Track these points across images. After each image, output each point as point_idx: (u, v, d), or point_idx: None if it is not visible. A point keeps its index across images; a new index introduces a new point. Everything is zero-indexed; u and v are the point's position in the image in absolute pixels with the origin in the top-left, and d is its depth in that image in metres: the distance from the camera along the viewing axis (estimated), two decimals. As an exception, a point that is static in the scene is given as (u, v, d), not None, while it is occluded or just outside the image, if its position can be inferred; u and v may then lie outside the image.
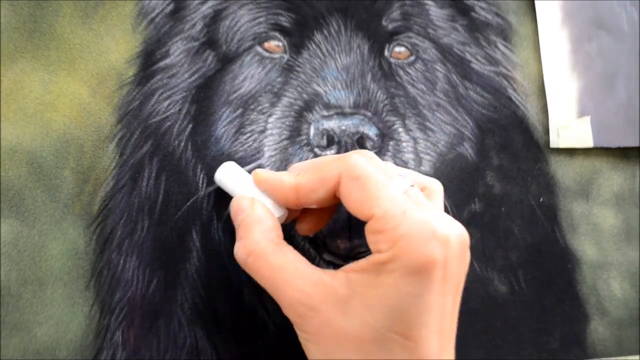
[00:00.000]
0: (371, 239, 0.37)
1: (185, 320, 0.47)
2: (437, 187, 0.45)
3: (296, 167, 0.44)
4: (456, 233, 0.38)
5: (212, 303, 0.48)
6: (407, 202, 0.37)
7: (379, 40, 0.54)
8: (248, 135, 0.51)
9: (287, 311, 0.39)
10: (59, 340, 0.45)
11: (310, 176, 0.41)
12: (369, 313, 0.35)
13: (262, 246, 0.39)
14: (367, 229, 0.37)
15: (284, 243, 0.41)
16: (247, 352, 0.48)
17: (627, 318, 0.57)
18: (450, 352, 0.38)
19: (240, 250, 0.40)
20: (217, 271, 0.48)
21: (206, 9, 0.52)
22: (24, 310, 0.45)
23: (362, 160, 0.39)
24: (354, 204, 0.38)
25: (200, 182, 0.49)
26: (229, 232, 0.49)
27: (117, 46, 0.50)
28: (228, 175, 0.46)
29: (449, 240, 0.36)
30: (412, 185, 0.41)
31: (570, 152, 0.59)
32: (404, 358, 0.35)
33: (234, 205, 0.43)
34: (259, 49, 0.53)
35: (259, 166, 0.50)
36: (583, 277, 0.57)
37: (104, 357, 0.46)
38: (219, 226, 0.49)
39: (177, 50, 0.51)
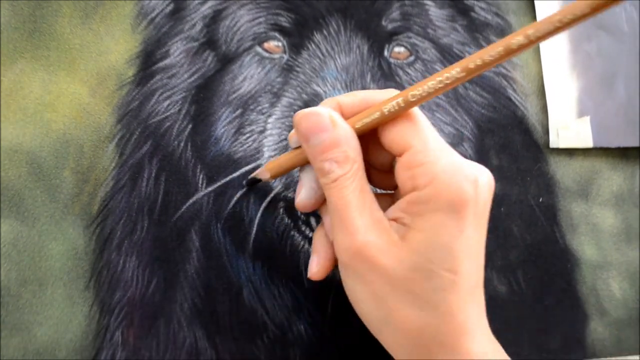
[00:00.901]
0: (406, 174, 0.37)
1: (184, 321, 0.47)
2: None
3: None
4: (484, 175, 0.39)
5: (211, 303, 0.48)
6: (443, 142, 0.38)
7: (378, 40, 0.54)
8: (248, 135, 0.51)
9: (341, 248, 0.38)
10: (58, 341, 0.45)
11: (352, 97, 0.41)
12: (418, 255, 0.36)
13: (357, 182, 0.38)
14: (402, 163, 0.38)
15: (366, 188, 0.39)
16: (247, 352, 0.48)
17: (626, 318, 0.57)
18: (481, 288, 0.39)
19: (333, 172, 0.38)
20: (216, 271, 0.48)
21: (206, 9, 0.52)
22: (24, 311, 0.45)
23: (403, 100, 0.38)
24: (393, 133, 0.38)
25: (200, 182, 0.49)
26: (229, 232, 0.49)
27: (116, 46, 0.50)
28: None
29: (477, 180, 0.37)
30: None
31: (570, 152, 0.59)
32: (450, 293, 0.36)
33: (308, 121, 0.39)
34: (258, 49, 0.53)
35: (259, 166, 0.50)
36: (582, 277, 0.57)
37: (103, 357, 0.46)
38: (219, 226, 0.49)
39: (176, 50, 0.51)
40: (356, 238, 0.37)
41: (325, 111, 0.39)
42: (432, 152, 0.37)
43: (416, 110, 0.39)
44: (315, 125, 0.38)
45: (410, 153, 0.37)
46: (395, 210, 0.38)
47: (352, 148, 0.38)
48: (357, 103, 0.40)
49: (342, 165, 0.38)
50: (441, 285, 0.36)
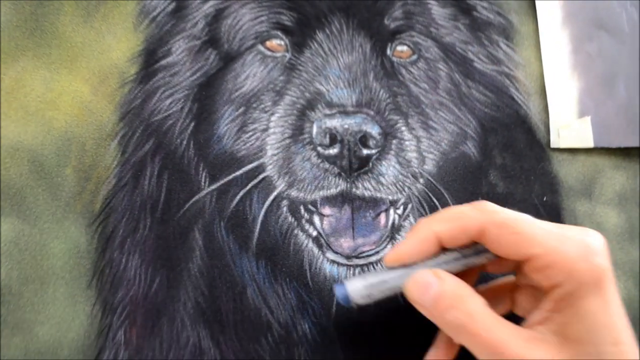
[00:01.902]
0: (540, 277, 0.38)
1: (188, 320, 0.47)
2: None
3: (425, 220, 0.43)
4: (601, 239, 0.40)
5: (215, 302, 0.47)
6: (556, 228, 0.39)
7: (381, 39, 0.54)
8: (250, 133, 0.50)
9: None
10: (60, 340, 0.45)
11: (449, 225, 0.41)
12: (584, 345, 0.37)
13: (478, 311, 0.39)
14: (531, 268, 0.38)
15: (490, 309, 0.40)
16: (251, 352, 0.47)
17: (630, 318, 0.57)
18: (635, 341, 0.40)
19: (456, 319, 0.39)
20: (220, 270, 0.48)
21: (208, 7, 0.52)
22: (26, 310, 0.44)
23: (498, 206, 0.40)
24: (507, 249, 0.39)
25: (203, 180, 0.49)
26: (232, 231, 0.49)
27: (118, 44, 0.50)
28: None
29: (603, 247, 0.39)
30: None
31: (573, 151, 0.59)
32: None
33: (415, 284, 0.40)
34: (261, 47, 0.52)
35: (261, 165, 0.50)
36: (587, 276, 0.57)
37: (106, 356, 0.45)
38: (222, 225, 0.49)
39: (178, 48, 0.51)
40: None
41: (426, 272, 0.40)
42: (555, 251, 0.37)
43: (514, 219, 0.39)
44: (423, 286, 0.40)
45: (535, 260, 0.38)
46: (541, 312, 0.39)
47: (466, 292, 0.39)
48: (456, 230, 0.40)
49: (461, 310, 0.38)
50: (607, 358, 0.36)
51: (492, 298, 0.44)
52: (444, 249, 0.41)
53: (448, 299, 0.39)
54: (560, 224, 0.40)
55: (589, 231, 0.40)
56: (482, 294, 0.43)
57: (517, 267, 0.42)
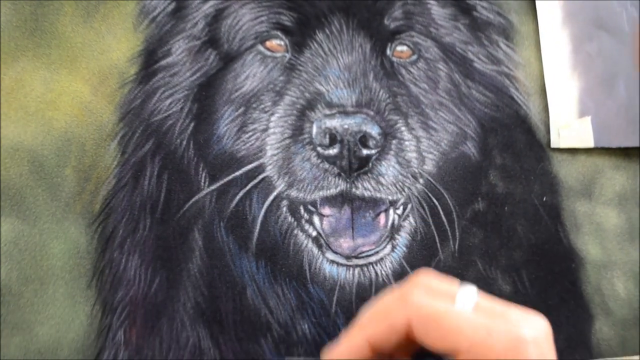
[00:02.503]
0: None
1: (187, 320, 0.47)
2: None
3: (361, 317, 0.43)
4: (540, 326, 0.38)
5: (215, 302, 0.47)
6: (485, 320, 0.37)
7: (381, 39, 0.54)
8: (250, 133, 0.50)
9: None
10: (60, 340, 0.45)
11: (377, 328, 0.39)
12: None
13: None
14: None
15: None
16: (251, 352, 0.47)
17: (631, 318, 0.57)
18: None
19: None
20: (219, 270, 0.48)
21: (208, 7, 0.52)
22: (25, 310, 0.44)
23: (424, 297, 0.38)
24: (434, 344, 0.38)
25: (202, 180, 0.49)
26: (232, 231, 0.49)
27: (118, 45, 0.50)
28: None
29: (537, 336, 0.37)
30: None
31: (573, 151, 0.59)
32: None
33: None
34: (260, 47, 0.52)
35: (261, 165, 0.50)
36: (587, 276, 0.57)
37: (106, 356, 0.45)
38: (222, 225, 0.49)
39: (178, 48, 0.51)
40: None
41: None
42: (481, 346, 0.36)
43: (439, 312, 0.38)
44: None
45: (463, 354, 0.36)
46: None
47: None
48: (384, 331, 0.38)
49: None
50: None
51: None
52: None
53: None
54: (501, 313, 0.38)
55: (529, 319, 0.38)
56: None
57: None
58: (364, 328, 0.39)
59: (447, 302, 0.38)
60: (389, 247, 0.51)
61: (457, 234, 0.53)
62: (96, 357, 0.45)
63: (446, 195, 0.53)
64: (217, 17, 0.52)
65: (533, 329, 0.38)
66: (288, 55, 0.53)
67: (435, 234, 0.53)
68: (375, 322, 0.39)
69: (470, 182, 0.54)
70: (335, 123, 0.49)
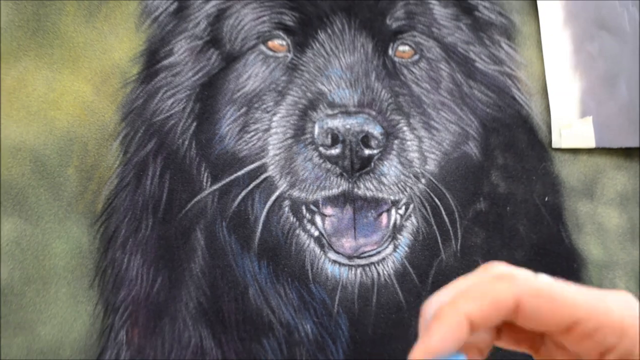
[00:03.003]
0: (587, 344, 0.36)
1: (190, 320, 0.47)
2: None
3: (450, 302, 0.40)
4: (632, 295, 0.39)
5: (217, 302, 0.47)
6: (589, 289, 0.37)
7: (383, 39, 0.54)
8: (252, 133, 0.50)
9: None
10: (62, 340, 0.45)
11: (479, 303, 0.36)
12: None
13: None
14: (575, 336, 0.35)
15: None
16: (253, 352, 0.47)
17: (632, 318, 0.57)
18: None
19: None
20: (222, 270, 0.48)
21: (210, 7, 0.52)
22: (28, 309, 0.44)
23: (526, 273, 0.37)
24: (547, 320, 0.35)
25: (205, 180, 0.49)
26: (234, 231, 0.49)
27: (120, 45, 0.50)
28: None
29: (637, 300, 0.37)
30: None
31: (574, 151, 0.59)
32: None
33: None
34: (262, 47, 0.52)
35: (263, 165, 0.50)
36: (589, 276, 0.57)
37: (108, 356, 0.45)
38: (224, 225, 0.49)
39: (180, 48, 0.51)
40: None
41: None
42: (599, 312, 0.35)
43: (548, 286, 0.36)
44: None
45: (580, 326, 0.35)
46: None
47: None
48: (488, 308, 0.36)
49: None
50: None
51: None
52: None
53: None
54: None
55: (623, 292, 0.39)
56: None
57: (539, 343, 0.40)
58: (463, 304, 0.35)
59: (551, 279, 0.37)
60: (391, 247, 0.51)
61: (459, 233, 0.53)
62: (98, 356, 0.45)
63: (448, 195, 0.53)
64: (219, 17, 0.52)
65: (631, 295, 0.38)
66: (290, 55, 0.53)
67: (438, 234, 0.52)
68: (476, 298, 0.36)
69: (472, 182, 0.54)
70: (337, 123, 0.49)
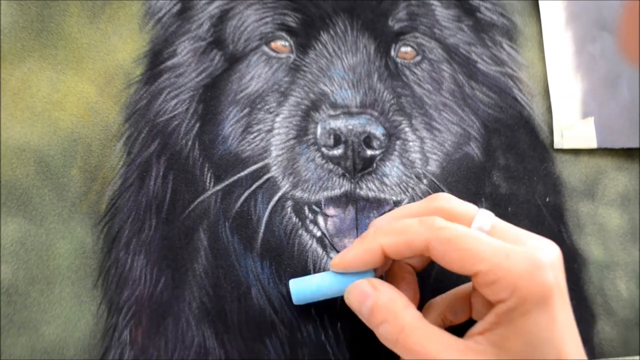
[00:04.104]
0: (486, 291, 0.39)
1: (193, 320, 0.47)
2: None
3: (376, 224, 0.45)
4: (554, 252, 0.41)
5: (220, 302, 0.48)
6: (503, 244, 0.39)
7: (385, 40, 0.54)
8: (255, 134, 0.51)
9: None
10: (66, 339, 0.45)
11: (395, 239, 0.41)
12: (521, 359, 0.37)
13: (411, 324, 0.39)
14: (478, 283, 0.39)
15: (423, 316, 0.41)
16: (256, 352, 0.47)
17: (633, 318, 0.57)
18: (585, 357, 0.40)
19: (389, 333, 0.40)
20: (225, 270, 0.48)
21: (213, 8, 0.53)
22: (32, 309, 0.45)
23: (444, 222, 0.40)
24: (452, 265, 0.39)
25: (208, 181, 0.49)
26: (237, 231, 0.49)
27: (124, 45, 0.50)
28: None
29: (553, 261, 0.39)
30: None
31: (576, 152, 0.59)
32: None
33: (353, 295, 0.42)
34: (265, 48, 0.53)
35: (266, 165, 0.50)
36: (590, 277, 0.57)
37: (111, 356, 0.45)
38: (227, 225, 0.49)
39: (184, 49, 0.51)
40: None
41: (363, 282, 0.42)
42: (499, 267, 0.37)
43: (459, 235, 0.39)
44: (361, 296, 0.42)
45: (481, 276, 0.38)
46: (484, 324, 0.39)
47: (400, 305, 0.40)
48: (401, 244, 0.41)
49: (393, 324, 0.39)
50: None
51: (453, 305, 0.47)
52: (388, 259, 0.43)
53: (382, 312, 0.40)
54: (516, 236, 0.40)
55: (544, 244, 0.40)
56: (443, 301, 0.46)
57: None
58: (381, 236, 0.42)
59: (465, 225, 0.40)
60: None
61: (461, 234, 0.53)
62: (102, 356, 0.45)
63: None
64: (222, 18, 0.53)
65: (548, 253, 0.39)
66: (293, 56, 0.53)
67: (439, 235, 0.53)
68: (393, 234, 0.42)
69: (473, 183, 0.55)
70: (339, 124, 0.49)
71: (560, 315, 0.37)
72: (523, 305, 0.37)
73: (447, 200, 0.43)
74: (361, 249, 0.42)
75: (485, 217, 0.41)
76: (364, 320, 0.42)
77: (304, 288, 0.45)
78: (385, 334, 0.40)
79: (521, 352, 0.37)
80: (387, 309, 0.40)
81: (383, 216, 0.46)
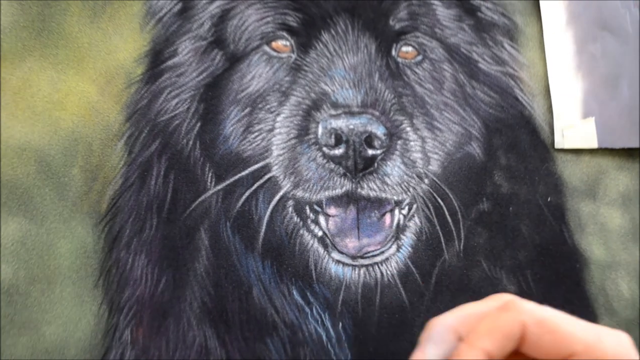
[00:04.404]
0: None
1: (194, 319, 0.47)
2: None
3: (467, 341, 0.41)
4: (628, 336, 0.40)
5: (221, 302, 0.48)
6: (590, 324, 0.38)
7: (386, 39, 0.54)
8: (256, 134, 0.51)
9: None
10: (67, 339, 0.45)
11: (493, 337, 0.38)
12: None
13: None
14: None
15: None
16: (257, 352, 0.47)
17: (634, 318, 0.57)
18: None
19: None
20: (226, 270, 0.48)
21: (214, 8, 0.52)
22: (33, 309, 0.45)
23: (530, 304, 0.38)
24: (548, 349, 0.37)
25: (209, 180, 0.49)
26: (238, 231, 0.49)
27: (125, 45, 0.50)
28: None
29: (631, 342, 0.38)
30: None
31: (577, 152, 0.59)
32: None
33: None
34: (266, 48, 0.53)
35: (267, 165, 0.50)
36: (591, 276, 0.57)
37: (112, 356, 0.45)
38: (228, 225, 0.49)
39: (185, 49, 0.51)
40: None
41: None
42: (595, 347, 0.36)
43: (550, 316, 0.37)
44: None
45: (576, 357, 0.37)
46: None
47: None
48: (502, 340, 0.36)
49: None
50: None
51: None
52: None
53: None
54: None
55: (617, 330, 0.40)
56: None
57: None
58: (478, 342, 0.38)
59: (552, 309, 0.38)
60: (394, 247, 0.51)
61: (462, 234, 0.53)
62: (103, 356, 0.45)
63: (451, 196, 0.53)
64: (223, 18, 0.52)
65: (627, 336, 0.39)
66: (294, 56, 0.53)
67: (441, 234, 0.53)
68: (489, 333, 0.38)
69: (475, 183, 0.55)
70: (340, 123, 0.49)
71: None
72: None
73: (507, 295, 0.40)
74: None
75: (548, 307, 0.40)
76: None
77: None
78: None
79: None
80: None
81: (442, 317, 0.37)
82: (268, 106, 0.51)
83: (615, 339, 0.36)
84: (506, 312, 0.37)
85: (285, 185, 0.50)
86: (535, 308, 0.37)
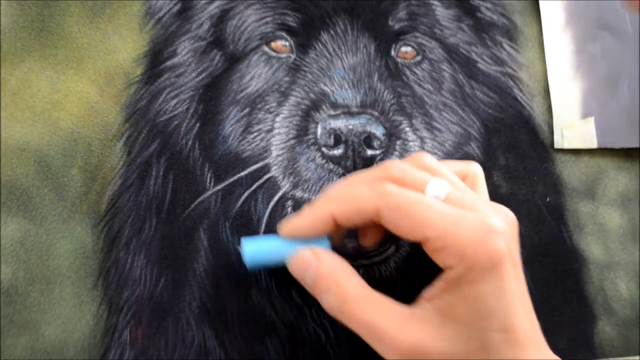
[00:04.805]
0: (436, 258, 0.38)
1: (193, 320, 0.47)
2: (477, 171, 0.46)
3: (327, 192, 0.44)
4: (508, 219, 0.40)
5: (220, 302, 0.48)
6: (454, 210, 0.38)
7: (385, 40, 0.54)
8: (255, 134, 0.51)
9: (389, 353, 0.38)
10: (66, 339, 0.45)
11: (344, 206, 0.41)
12: (467, 328, 0.36)
13: (354, 293, 0.39)
14: (428, 250, 0.38)
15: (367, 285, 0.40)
16: (256, 352, 0.47)
17: (633, 318, 0.57)
18: (538, 330, 0.39)
19: (332, 302, 0.39)
20: (225, 270, 0.48)
21: (213, 8, 0.52)
22: (32, 309, 0.45)
23: (395, 187, 0.39)
24: (402, 232, 0.38)
25: (208, 181, 0.49)
26: (237, 231, 0.49)
27: (124, 45, 0.50)
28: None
29: (505, 228, 0.38)
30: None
31: (576, 152, 0.59)
32: (509, 350, 0.36)
33: (295, 264, 0.42)
34: (265, 48, 0.53)
35: (266, 165, 0.50)
36: (590, 277, 0.57)
37: (111, 356, 0.45)
38: (227, 225, 0.49)
39: (184, 49, 0.51)
40: (400, 345, 0.37)
41: (306, 251, 0.41)
42: (447, 234, 0.37)
43: (409, 202, 0.38)
44: (303, 265, 0.41)
45: (430, 243, 0.37)
46: (432, 290, 0.38)
47: (342, 274, 0.40)
48: (351, 211, 0.40)
49: (336, 294, 0.39)
50: (496, 346, 0.36)
51: None
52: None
53: (324, 282, 0.40)
54: (472, 204, 0.39)
55: (498, 210, 0.40)
56: None
57: None
58: (331, 203, 0.41)
59: (418, 192, 0.39)
60: (393, 247, 0.51)
61: (461, 234, 0.53)
62: (102, 356, 0.45)
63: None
64: (222, 18, 0.52)
65: (501, 220, 0.38)
66: (293, 56, 0.53)
67: (440, 235, 0.53)
68: (343, 201, 0.41)
69: (474, 183, 0.55)
70: (339, 124, 0.49)
71: (510, 285, 0.36)
72: (470, 272, 0.36)
73: (400, 167, 0.41)
74: (310, 215, 0.42)
75: (439, 185, 0.40)
76: (308, 290, 0.41)
77: (257, 252, 0.43)
78: (328, 303, 0.39)
79: (466, 321, 0.36)
80: (329, 279, 0.40)
81: (335, 183, 0.45)
82: (267, 106, 0.51)
83: (474, 227, 0.37)
84: (370, 190, 0.40)
85: (285, 186, 0.50)
86: (397, 193, 0.38)
